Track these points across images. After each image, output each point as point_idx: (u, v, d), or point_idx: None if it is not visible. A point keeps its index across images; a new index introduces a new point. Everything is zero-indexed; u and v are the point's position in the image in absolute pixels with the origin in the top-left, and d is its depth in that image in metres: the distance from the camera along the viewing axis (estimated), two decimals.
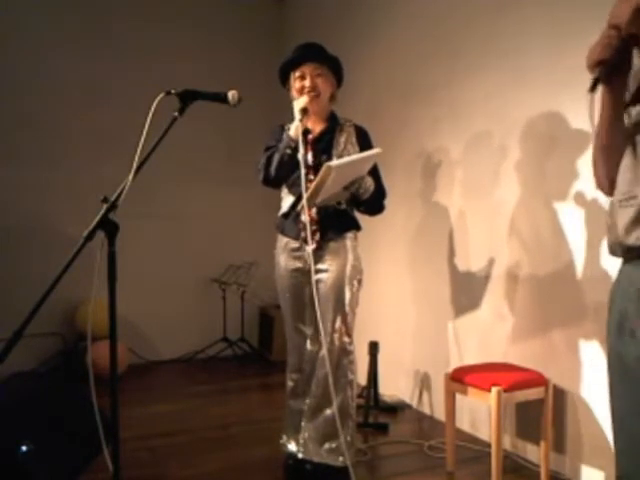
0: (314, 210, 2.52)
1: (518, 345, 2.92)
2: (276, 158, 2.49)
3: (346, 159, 2.36)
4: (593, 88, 1.22)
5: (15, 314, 1.63)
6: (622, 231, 1.23)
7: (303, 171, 2.31)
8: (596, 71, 1.22)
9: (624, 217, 1.23)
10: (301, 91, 2.55)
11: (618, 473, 1.28)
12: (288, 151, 2.43)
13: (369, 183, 2.51)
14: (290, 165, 2.46)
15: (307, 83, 2.54)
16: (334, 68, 2.61)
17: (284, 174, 2.52)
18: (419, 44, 3.60)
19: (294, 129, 2.44)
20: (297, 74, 2.57)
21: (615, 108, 1.27)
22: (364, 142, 2.64)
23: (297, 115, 2.43)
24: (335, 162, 2.28)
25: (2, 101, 4.26)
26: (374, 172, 2.60)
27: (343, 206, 2.59)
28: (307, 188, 2.55)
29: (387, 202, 2.69)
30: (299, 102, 2.47)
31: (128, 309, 3.45)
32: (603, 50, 1.19)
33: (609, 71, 1.21)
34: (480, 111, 3.14)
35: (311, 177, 2.53)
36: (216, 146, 4.95)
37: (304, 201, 2.33)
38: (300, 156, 2.41)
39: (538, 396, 2.54)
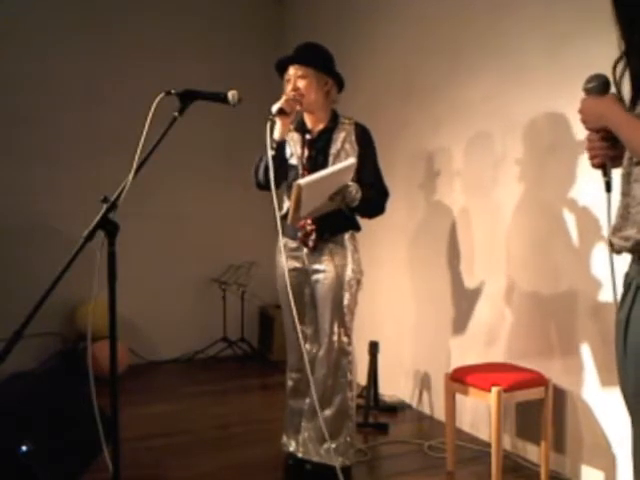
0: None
1: (518, 345, 2.92)
2: (263, 162, 2.51)
3: (316, 175, 2.35)
4: (608, 188, 1.33)
5: (15, 314, 1.63)
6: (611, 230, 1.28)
7: (300, 171, 2.32)
8: (603, 173, 1.33)
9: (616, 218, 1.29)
10: None
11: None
12: (271, 152, 2.42)
13: (354, 192, 2.47)
14: (279, 167, 2.45)
15: (289, 86, 2.55)
16: (322, 68, 2.58)
17: (274, 176, 2.51)
18: (419, 44, 3.60)
19: (276, 131, 2.47)
20: (286, 77, 2.59)
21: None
22: (364, 141, 2.62)
23: (275, 117, 2.45)
24: (304, 180, 2.29)
25: (1, 100, 4.26)
26: (374, 173, 2.60)
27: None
28: None
29: (388, 202, 2.68)
30: (276, 104, 2.48)
31: (128, 309, 3.45)
32: (593, 156, 1.33)
33: (610, 163, 1.32)
34: (481, 111, 3.14)
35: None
36: (216, 146, 4.94)
37: (289, 218, 2.36)
38: (296, 158, 2.39)
39: (538, 396, 2.55)
